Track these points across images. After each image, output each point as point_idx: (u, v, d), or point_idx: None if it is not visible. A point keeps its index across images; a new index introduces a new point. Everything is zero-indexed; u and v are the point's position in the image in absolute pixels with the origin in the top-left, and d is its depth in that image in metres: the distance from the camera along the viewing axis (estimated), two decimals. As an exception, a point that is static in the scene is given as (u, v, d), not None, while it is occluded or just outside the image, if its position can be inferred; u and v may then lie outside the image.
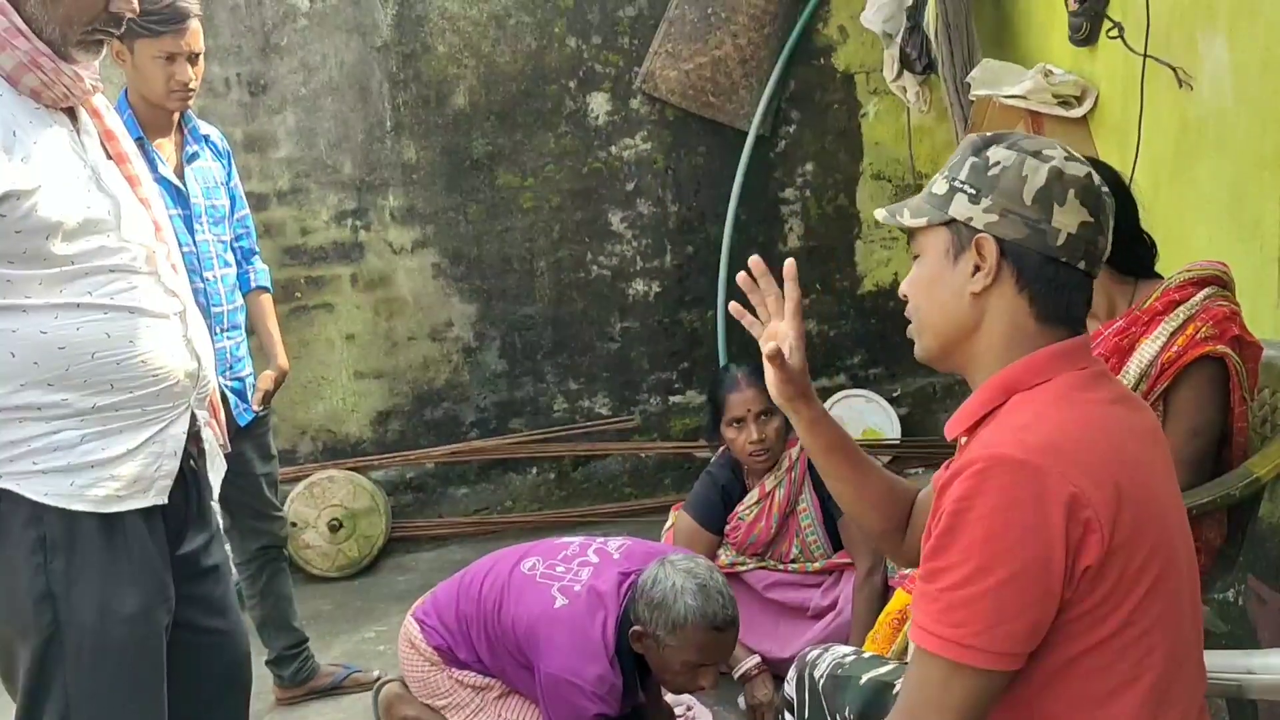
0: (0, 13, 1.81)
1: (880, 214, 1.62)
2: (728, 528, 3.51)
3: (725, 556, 3.52)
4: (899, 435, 5.10)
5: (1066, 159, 1.48)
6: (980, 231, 1.47)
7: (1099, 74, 3.51)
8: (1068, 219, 1.46)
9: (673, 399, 5.11)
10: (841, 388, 5.18)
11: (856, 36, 4.91)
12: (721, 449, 3.59)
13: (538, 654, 2.73)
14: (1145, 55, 3.07)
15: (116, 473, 1.93)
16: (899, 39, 4.34)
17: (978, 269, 1.48)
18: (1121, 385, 1.54)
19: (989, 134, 1.55)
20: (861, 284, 5.16)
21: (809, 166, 5.02)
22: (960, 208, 1.50)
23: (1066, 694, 1.40)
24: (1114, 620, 1.37)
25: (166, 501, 2.03)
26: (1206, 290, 2.35)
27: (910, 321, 1.60)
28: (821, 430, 1.80)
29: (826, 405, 4.85)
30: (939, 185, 1.54)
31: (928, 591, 1.39)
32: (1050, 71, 3.56)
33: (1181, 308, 2.33)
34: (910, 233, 1.58)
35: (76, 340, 1.87)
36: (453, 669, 2.98)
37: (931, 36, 4.14)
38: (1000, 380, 1.48)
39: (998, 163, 1.48)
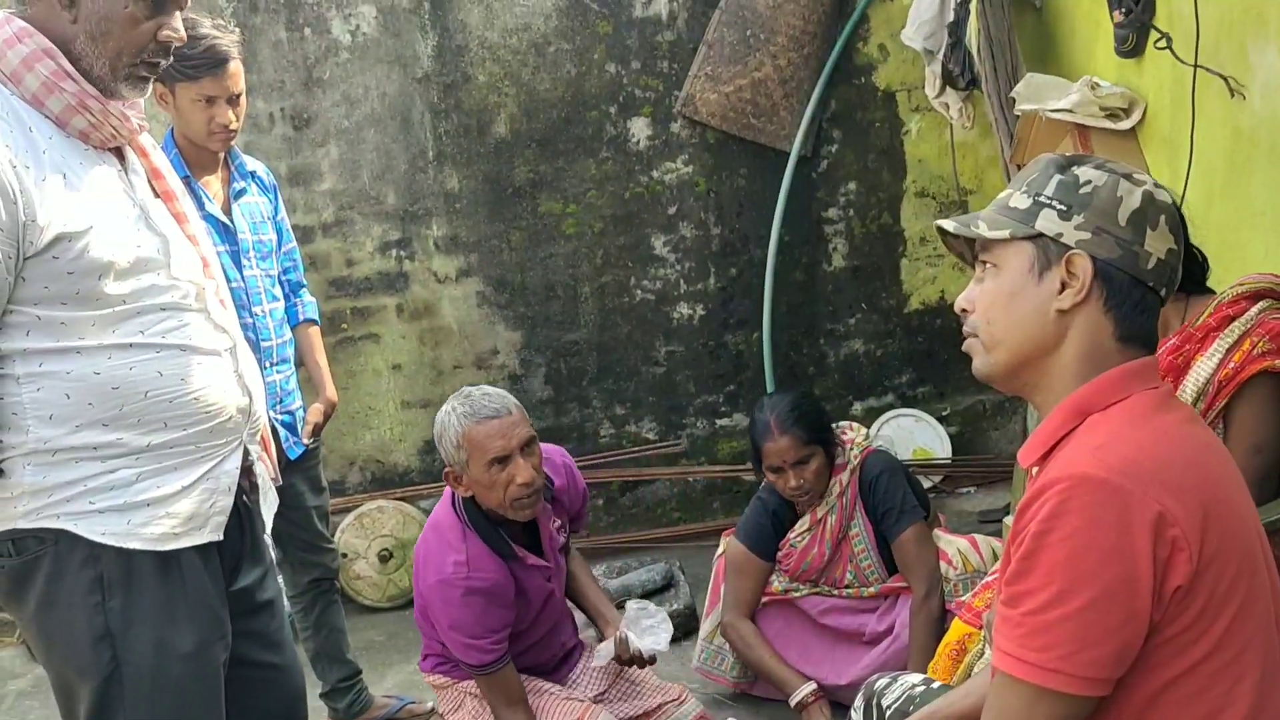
0: (49, 55, 1.83)
1: (949, 224, 1.58)
2: (780, 554, 3.47)
3: (779, 583, 3.48)
4: (949, 454, 5.04)
5: (1155, 185, 1.47)
6: (1072, 248, 1.45)
7: (1146, 86, 3.46)
8: (1158, 244, 1.45)
9: (719, 422, 5.08)
10: (890, 407, 5.13)
11: (897, 54, 4.88)
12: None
13: (418, 591, 2.86)
14: (1196, 65, 3.02)
15: (172, 510, 1.94)
16: (941, 55, 4.30)
17: (1065, 286, 1.45)
18: (1187, 405, 1.50)
19: (1068, 154, 1.52)
20: (908, 302, 5.12)
21: (852, 186, 5.00)
22: (1049, 223, 1.47)
23: None
24: (1205, 643, 1.34)
25: (221, 537, 2.03)
26: (1261, 304, 2.30)
27: (967, 337, 1.57)
28: None
29: (876, 425, 4.91)
30: (1018, 199, 1.51)
31: (1010, 616, 1.36)
32: (1097, 84, 3.52)
33: (1236, 323, 2.28)
34: (980, 246, 1.54)
35: (130, 380, 1.89)
36: (460, 683, 2.99)
37: (974, 52, 4.11)
38: (1073, 403, 1.46)
39: (1089, 181, 1.46)
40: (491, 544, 2.77)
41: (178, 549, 1.96)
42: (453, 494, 2.83)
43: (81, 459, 1.88)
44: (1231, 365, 2.23)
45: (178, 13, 1.93)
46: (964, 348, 1.58)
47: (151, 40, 1.90)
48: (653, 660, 2.87)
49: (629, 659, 2.91)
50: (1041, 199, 1.48)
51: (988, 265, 1.53)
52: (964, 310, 1.57)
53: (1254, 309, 2.28)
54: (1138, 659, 1.34)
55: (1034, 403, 1.52)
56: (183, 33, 1.94)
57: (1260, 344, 2.22)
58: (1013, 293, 1.49)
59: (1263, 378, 2.21)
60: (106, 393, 1.87)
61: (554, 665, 3.05)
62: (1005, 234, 1.49)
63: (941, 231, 1.60)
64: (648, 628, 2.88)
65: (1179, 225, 1.47)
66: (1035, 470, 1.52)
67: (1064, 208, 1.46)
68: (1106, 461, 1.34)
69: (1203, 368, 2.27)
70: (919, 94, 4.85)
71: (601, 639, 3.01)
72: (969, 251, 1.59)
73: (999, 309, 1.51)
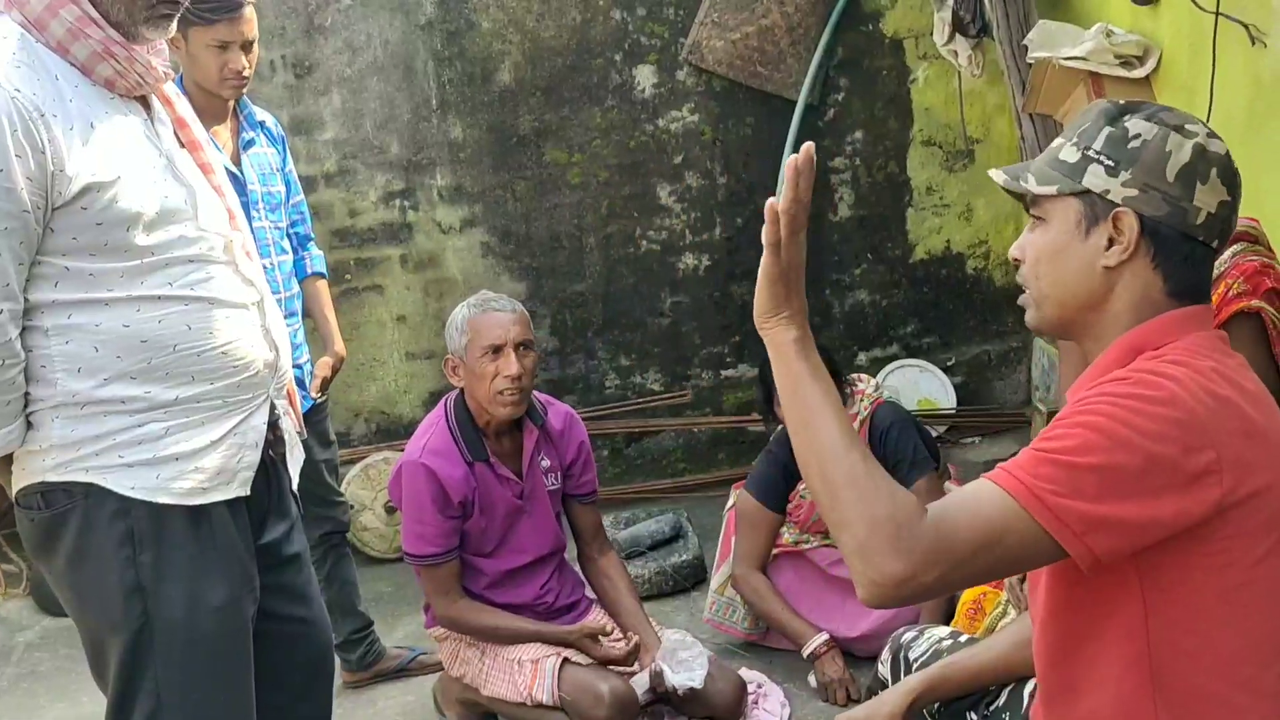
0: (73, 1, 1.79)
1: (999, 176, 1.56)
2: (790, 505, 3.48)
3: (789, 535, 3.49)
4: (954, 404, 5.05)
5: (1209, 135, 1.45)
6: (1119, 206, 1.43)
7: (1162, 33, 3.43)
8: (1209, 198, 1.43)
9: (725, 373, 5.07)
10: (895, 357, 5.13)
11: (904, 1, 4.82)
12: (780, 425, 3.55)
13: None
14: (1217, 13, 2.99)
15: (201, 465, 1.93)
16: (950, 2, 4.26)
17: (1112, 243, 1.44)
18: (1239, 355, 1.50)
19: (1123, 101, 1.50)
20: (914, 252, 5.10)
21: (858, 134, 4.96)
22: (1096, 179, 1.45)
23: (1201, 658, 1.37)
24: (1235, 573, 1.35)
25: (249, 492, 2.02)
26: (1235, 248, 2.27)
27: (1023, 289, 1.56)
28: (804, 356, 1.45)
29: (881, 375, 4.90)
30: (1068, 152, 1.49)
31: (1026, 450, 1.36)
32: (1111, 31, 3.49)
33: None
34: (1029, 198, 1.53)
35: (158, 333, 1.87)
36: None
37: (985, -1, 4.06)
38: (1129, 340, 1.45)
39: (1138, 135, 1.44)
40: (465, 439, 2.89)
41: (207, 504, 1.95)
42: (447, 399, 2.99)
43: (110, 412, 1.86)
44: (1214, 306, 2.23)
45: None
46: (1019, 301, 1.57)
47: None
48: (689, 695, 2.87)
49: (663, 694, 2.92)
50: (1090, 153, 1.46)
51: (1038, 219, 1.52)
52: (1016, 260, 1.56)
53: (1227, 253, 2.26)
54: (1160, 575, 1.35)
55: (1084, 348, 1.52)
56: None
57: (1235, 285, 2.21)
58: (1059, 248, 1.49)
59: (1240, 318, 2.18)
60: (135, 346, 1.86)
61: (548, 612, 3.07)
62: (1052, 190, 1.48)
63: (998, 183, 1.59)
64: (683, 660, 2.88)
65: (1232, 175, 1.45)
66: None
67: (1112, 163, 1.44)
68: (1172, 374, 1.35)
69: None
70: (926, 41, 4.80)
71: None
72: (1026, 200, 1.57)
73: (1045, 264, 1.51)
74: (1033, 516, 1.30)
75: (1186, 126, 1.44)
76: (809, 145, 1.42)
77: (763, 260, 1.46)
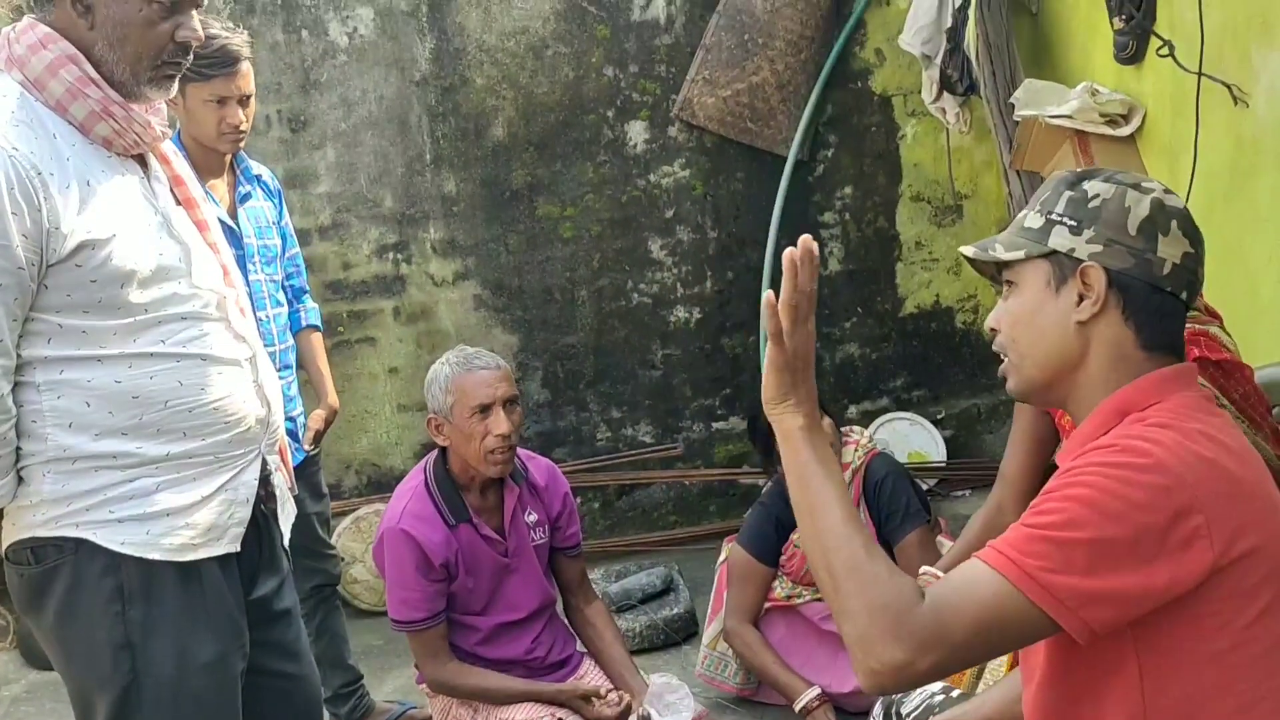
0: (72, 61, 1.82)
1: (968, 250, 1.60)
2: (783, 558, 3.48)
3: (781, 589, 3.49)
4: (944, 458, 5.06)
5: (1165, 191, 1.49)
6: (1085, 261, 1.47)
7: (1146, 92, 3.48)
8: (1172, 249, 1.46)
9: (716, 425, 5.08)
10: (885, 410, 5.15)
11: (893, 59, 4.89)
12: (774, 478, 3.56)
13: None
14: (1200, 73, 3.04)
15: (191, 520, 1.93)
16: (938, 60, 4.32)
17: (1082, 298, 1.47)
18: (1225, 413, 1.51)
19: (1079, 170, 1.55)
20: (903, 306, 5.13)
21: (848, 190, 5.01)
22: (1061, 239, 1.49)
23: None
24: (1227, 635, 1.35)
25: (239, 548, 2.02)
26: None
27: (1003, 358, 1.59)
28: (810, 444, 1.47)
29: (871, 428, 4.92)
30: (1032, 219, 1.54)
31: (1016, 527, 1.37)
32: (1097, 90, 3.54)
33: None
34: (1001, 269, 1.57)
35: (150, 389, 1.88)
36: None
37: (973, 57, 4.12)
38: (1114, 403, 1.47)
39: (1097, 194, 1.48)
40: (446, 502, 2.87)
41: (197, 559, 1.95)
42: (426, 460, 2.96)
43: (101, 468, 1.87)
44: None
45: (194, 12, 1.91)
46: (999, 371, 1.60)
47: (170, 41, 1.88)
48: None
49: None
50: (1053, 216, 1.51)
51: (1010, 285, 1.56)
52: (993, 330, 1.59)
53: None
54: (1156, 639, 1.35)
55: (1070, 415, 1.54)
56: (200, 32, 1.92)
57: None
58: (1034, 309, 1.52)
59: None
60: (127, 401, 1.87)
61: (540, 668, 3.05)
62: (1020, 254, 1.52)
63: (968, 258, 1.62)
64: (670, 704, 2.87)
65: (1193, 228, 1.49)
66: None
67: (1074, 223, 1.48)
68: (1156, 441, 1.36)
69: None
70: (915, 98, 4.87)
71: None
72: (998, 273, 1.60)
73: (1022, 325, 1.54)
74: (1026, 596, 1.31)
75: (1143, 184, 1.49)
76: (806, 238, 1.45)
77: (768, 349, 1.48)
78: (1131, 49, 3.46)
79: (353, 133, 4.70)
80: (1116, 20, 3.47)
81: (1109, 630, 1.33)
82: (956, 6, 4.17)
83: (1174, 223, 1.47)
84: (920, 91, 4.67)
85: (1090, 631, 1.32)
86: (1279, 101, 2.86)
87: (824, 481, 1.43)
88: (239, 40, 2.91)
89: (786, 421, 1.47)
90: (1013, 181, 4.07)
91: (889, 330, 5.14)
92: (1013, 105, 3.82)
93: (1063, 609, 1.31)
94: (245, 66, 2.94)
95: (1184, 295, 1.47)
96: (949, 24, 4.23)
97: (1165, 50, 3.19)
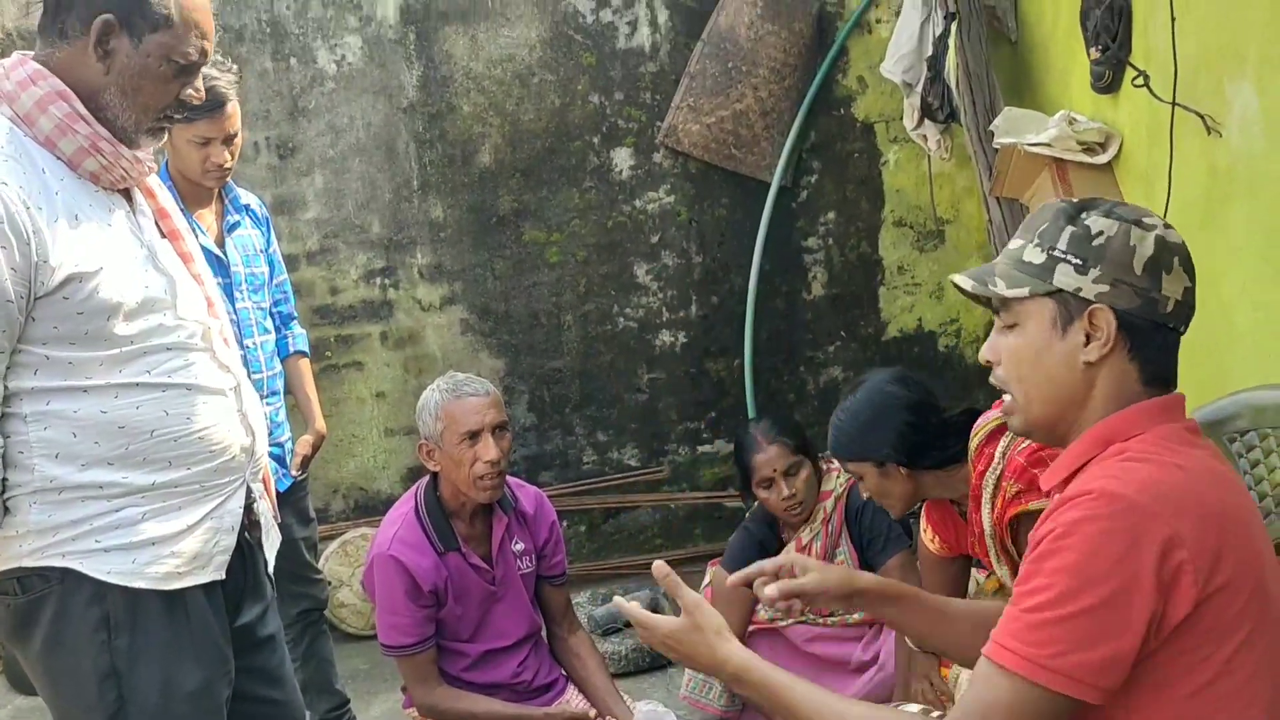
0: (62, 98, 1.85)
1: (964, 282, 1.59)
2: (766, 580, 3.49)
3: (765, 612, 3.50)
4: (929, 481, 5.08)
5: (1165, 226, 1.50)
6: (1093, 303, 1.47)
7: (1122, 121, 3.52)
8: (1174, 286, 1.47)
9: (701, 449, 5.11)
10: (870, 434, 5.16)
11: (875, 87, 4.95)
12: (756, 503, 3.59)
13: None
14: (1174, 103, 3.08)
15: (177, 549, 1.95)
16: (919, 88, 4.37)
17: (1089, 338, 1.48)
18: (1211, 443, 1.54)
19: (1076, 200, 1.54)
20: (886, 330, 5.17)
21: (831, 215, 5.05)
22: (1067, 278, 1.49)
23: None
24: (1211, 666, 1.37)
25: (224, 576, 2.04)
26: (1003, 443, 2.30)
27: (999, 391, 1.59)
28: (754, 684, 1.61)
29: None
30: (1031, 253, 1.53)
31: (1011, 613, 1.39)
32: (1074, 119, 3.58)
33: (989, 474, 2.30)
34: (998, 301, 1.56)
35: (136, 419, 1.90)
36: None
37: (953, 85, 4.17)
38: (1099, 432, 1.49)
39: (1101, 231, 1.48)
40: (436, 530, 2.89)
41: (183, 588, 1.97)
42: (418, 487, 2.97)
43: (87, 498, 1.89)
44: (997, 512, 2.27)
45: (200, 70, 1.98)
46: (1000, 411, 1.62)
47: (175, 98, 1.95)
48: None
49: None
50: (1056, 253, 1.50)
51: (1009, 322, 1.56)
52: (988, 362, 1.60)
53: (998, 450, 2.29)
54: (1144, 676, 1.37)
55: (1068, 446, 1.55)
56: (203, 92, 1.99)
57: (1009, 487, 2.24)
58: (1039, 349, 1.52)
59: (1025, 517, 2.21)
60: (113, 432, 1.89)
61: (526, 691, 3.07)
62: (1024, 292, 1.52)
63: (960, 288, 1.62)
64: None
65: (1189, 262, 1.50)
66: (1055, 496, 1.55)
67: (1079, 261, 1.48)
68: (1128, 480, 1.38)
69: (986, 523, 2.32)
70: (897, 125, 4.92)
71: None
72: (990, 302, 1.61)
73: (1028, 365, 1.54)
74: (1048, 687, 1.34)
75: (1144, 220, 1.49)
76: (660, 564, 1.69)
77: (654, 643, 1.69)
78: (1108, 79, 3.50)
79: (340, 159, 4.74)
80: (1093, 50, 3.52)
81: (1121, 682, 1.36)
82: (937, 35, 4.23)
83: (1176, 260, 1.48)
84: (902, 118, 4.72)
85: (1108, 694, 1.35)
86: (1251, 131, 2.90)
87: (790, 696, 1.55)
88: (226, 81, 2.94)
89: (725, 677, 1.65)
90: (993, 208, 4.11)
91: (872, 354, 5.17)
92: (992, 133, 3.87)
93: (1083, 687, 1.34)
94: (231, 107, 2.97)
95: (1181, 328, 1.50)
96: (930, 52, 4.28)
97: (1140, 80, 3.23)
